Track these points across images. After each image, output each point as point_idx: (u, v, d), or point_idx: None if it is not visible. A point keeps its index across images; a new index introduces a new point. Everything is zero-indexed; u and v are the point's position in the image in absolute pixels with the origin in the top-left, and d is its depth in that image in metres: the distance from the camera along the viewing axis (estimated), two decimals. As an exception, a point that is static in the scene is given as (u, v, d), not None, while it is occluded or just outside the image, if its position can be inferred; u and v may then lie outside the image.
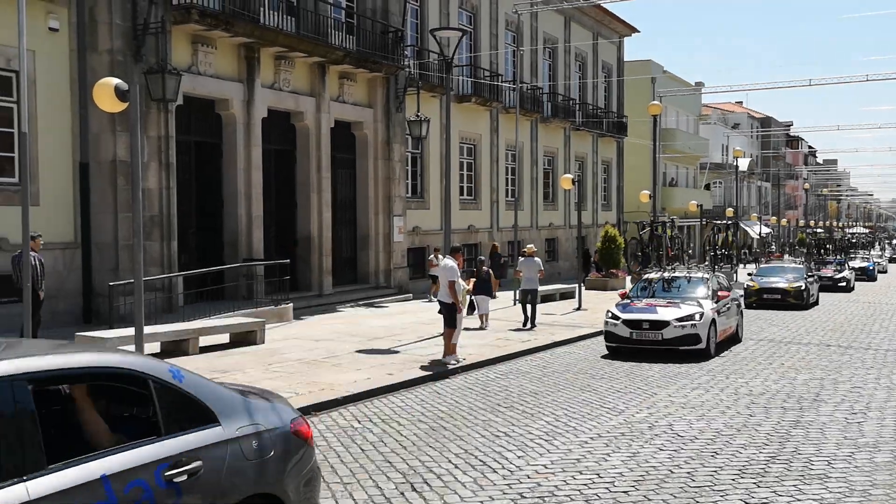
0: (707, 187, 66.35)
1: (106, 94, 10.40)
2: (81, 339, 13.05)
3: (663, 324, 14.99)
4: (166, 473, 4.23)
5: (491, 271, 20.74)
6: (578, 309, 22.93)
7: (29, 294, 12.04)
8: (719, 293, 16.77)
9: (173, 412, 4.51)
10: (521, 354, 15.41)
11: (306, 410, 10.09)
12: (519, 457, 8.26)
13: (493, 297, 20.51)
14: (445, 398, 11.33)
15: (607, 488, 7.26)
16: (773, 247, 72.78)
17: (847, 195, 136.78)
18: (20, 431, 3.76)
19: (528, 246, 20.62)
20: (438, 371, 13.05)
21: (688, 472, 7.74)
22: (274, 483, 4.90)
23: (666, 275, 17.87)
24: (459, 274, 14.01)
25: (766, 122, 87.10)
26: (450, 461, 8.12)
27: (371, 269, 25.75)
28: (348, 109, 24.60)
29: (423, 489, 7.24)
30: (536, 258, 19.59)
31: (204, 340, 14.60)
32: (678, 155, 56.40)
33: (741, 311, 18.44)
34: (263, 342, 15.41)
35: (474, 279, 19.29)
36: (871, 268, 46.72)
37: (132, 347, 11.56)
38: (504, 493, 7.11)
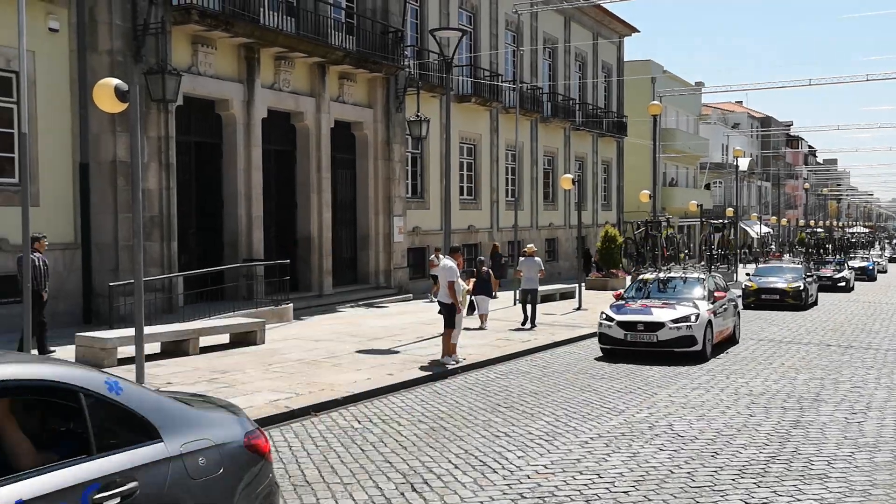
0: (707, 187, 66.37)
1: (106, 94, 10.41)
2: (81, 339, 13.06)
3: (658, 325, 14.73)
4: (95, 496, 3.87)
5: (491, 271, 20.75)
6: (579, 309, 22.94)
7: (29, 294, 12.04)
8: (716, 294, 16.49)
9: (108, 428, 4.16)
10: (522, 354, 15.41)
11: (306, 411, 10.11)
12: (519, 457, 8.26)
13: (494, 296, 20.52)
14: (446, 398, 11.33)
15: (607, 488, 7.26)
16: (773, 246, 72.80)
17: (847, 195, 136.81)
18: None
19: (529, 246, 20.63)
20: (438, 371, 13.05)
21: (688, 473, 7.75)
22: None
23: (661, 275, 17.67)
24: (459, 274, 14.00)
25: (766, 121, 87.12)
26: (450, 461, 8.12)
27: (371, 269, 25.75)
28: (348, 110, 24.61)
29: (424, 489, 7.24)
30: (537, 258, 19.60)
31: (204, 341, 14.60)
32: (678, 155, 56.41)
33: (738, 312, 18.10)
34: (264, 342, 15.41)
35: (474, 279, 19.29)
36: (870, 267, 46.64)
37: (132, 348, 11.58)
38: (504, 494, 7.11)
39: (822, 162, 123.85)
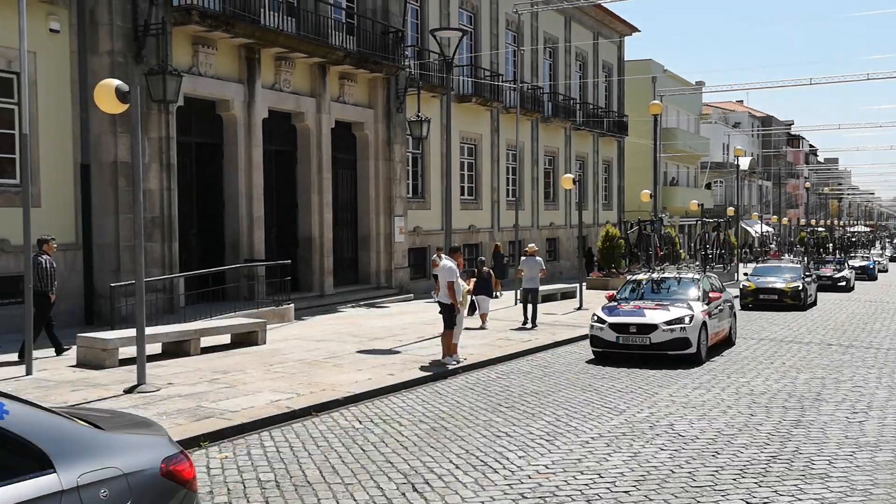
0: (708, 186, 66.35)
1: (107, 95, 10.44)
2: (83, 340, 13.06)
3: (651, 327, 14.30)
4: None
5: (492, 271, 20.75)
6: (579, 308, 22.93)
7: (30, 295, 12.07)
8: (711, 294, 16.12)
9: None
10: (523, 354, 15.41)
11: (307, 411, 10.12)
12: (520, 457, 8.27)
13: (496, 296, 20.50)
14: (446, 398, 11.34)
15: (608, 488, 7.26)
16: (773, 245, 72.77)
17: (848, 194, 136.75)
18: None
19: (530, 245, 20.63)
20: (439, 371, 13.06)
21: (689, 472, 7.75)
22: None
23: (655, 275, 17.29)
24: (459, 274, 13.99)
25: (766, 120, 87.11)
26: (451, 461, 8.13)
27: (372, 269, 25.76)
28: (349, 110, 24.61)
29: (425, 490, 7.25)
30: (538, 258, 19.60)
31: (205, 341, 14.61)
32: (679, 154, 56.42)
33: (734, 313, 17.64)
34: (265, 343, 15.42)
35: (475, 279, 19.29)
36: (871, 267, 46.49)
37: (134, 348, 11.59)
38: (505, 494, 7.11)
39: (823, 161, 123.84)
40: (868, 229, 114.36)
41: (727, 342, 16.80)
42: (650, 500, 6.96)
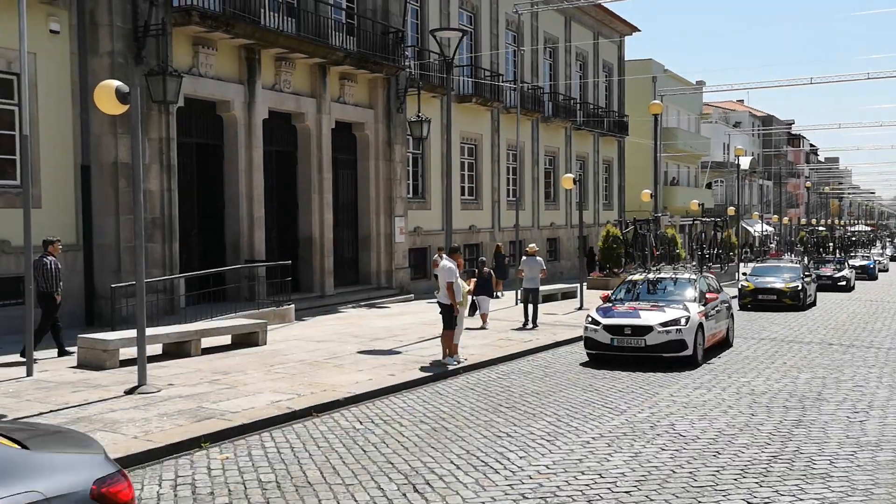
0: (709, 186, 66.35)
1: (107, 96, 10.44)
2: (84, 341, 13.05)
3: (646, 329, 13.94)
4: None
5: (492, 272, 20.74)
6: (580, 308, 22.91)
7: (31, 296, 12.07)
8: (708, 295, 15.86)
9: None
10: (523, 354, 15.41)
11: (308, 411, 10.12)
12: (521, 457, 8.26)
13: (497, 296, 20.49)
14: (447, 399, 11.33)
15: (609, 488, 7.26)
16: (773, 245, 72.75)
17: (849, 193, 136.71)
18: None
19: (531, 245, 20.63)
20: (440, 371, 13.06)
21: (690, 472, 7.75)
22: None
23: (650, 276, 17.05)
24: (458, 275, 13.98)
25: (767, 120, 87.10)
26: (452, 462, 8.12)
27: (372, 269, 25.76)
28: (349, 110, 24.61)
29: (425, 490, 7.25)
30: (538, 258, 19.60)
31: (206, 342, 14.62)
32: (679, 154, 56.41)
33: (732, 314, 17.37)
34: (265, 343, 15.42)
35: (475, 279, 19.30)
36: (871, 266, 46.36)
37: (134, 349, 11.59)
38: (506, 494, 7.11)
39: (823, 160, 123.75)
40: (869, 229, 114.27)
41: (724, 344, 16.57)
42: (651, 500, 6.96)
